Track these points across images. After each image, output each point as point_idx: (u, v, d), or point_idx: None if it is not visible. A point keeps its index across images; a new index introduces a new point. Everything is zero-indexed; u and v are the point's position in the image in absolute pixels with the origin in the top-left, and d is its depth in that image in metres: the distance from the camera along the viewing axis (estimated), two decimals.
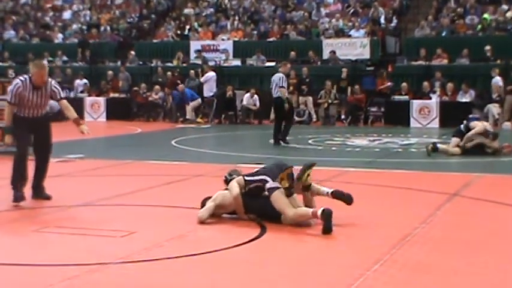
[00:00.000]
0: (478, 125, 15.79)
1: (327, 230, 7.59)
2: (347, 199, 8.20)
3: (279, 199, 8.00)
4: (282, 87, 17.74)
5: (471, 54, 26.58)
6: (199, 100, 26.67)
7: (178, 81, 27.32)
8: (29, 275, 6.14)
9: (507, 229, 8.15)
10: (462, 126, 16.07)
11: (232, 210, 8.32)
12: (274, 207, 7.98)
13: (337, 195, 8.21)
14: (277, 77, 17.95)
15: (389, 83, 25.88)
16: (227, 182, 8.60)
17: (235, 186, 8.24)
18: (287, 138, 18.00)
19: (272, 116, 20.67)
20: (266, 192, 8.11)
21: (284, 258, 6.75)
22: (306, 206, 8.16)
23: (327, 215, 7.62)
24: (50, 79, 9.69)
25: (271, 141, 18.18)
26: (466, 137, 15.53)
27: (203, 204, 8.45)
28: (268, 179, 8.12)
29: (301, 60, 28.99)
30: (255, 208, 8.20)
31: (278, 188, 8.04)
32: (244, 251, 7.00)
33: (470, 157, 15.06)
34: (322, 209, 7.73)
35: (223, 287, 5.81)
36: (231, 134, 22.84)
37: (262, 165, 8.81)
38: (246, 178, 8.31)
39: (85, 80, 29.82)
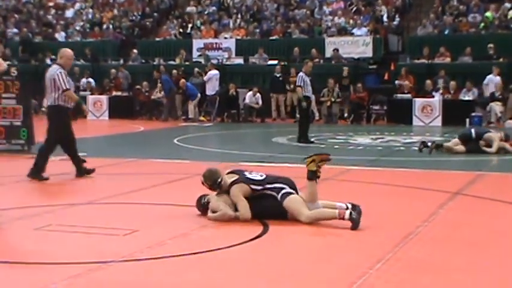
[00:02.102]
0: (495, 140, 15.45)
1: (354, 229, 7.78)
2: (355, 226, 7.88)
3: (295, 202, 8.04)
4: (299, 86, 17.77)
5: (474, 53, 26.56)
6: (198, 95, 26.69)
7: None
8: (32, 273, 6.15)
9: (510, 227, 8.15)
10: (473, 132, 15.83)
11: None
12: (285, 208, 8.03)
13: (351, 218, 7.89)
14: (297, 77, 18.11)
15: (405, 82, 25.72)
16: (216, 187, 8.35)
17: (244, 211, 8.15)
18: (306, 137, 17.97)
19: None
20: (278, 198, 8.12)
21: (287, 256, 6.76)
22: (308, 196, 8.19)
23: (353, 218, 7.79)
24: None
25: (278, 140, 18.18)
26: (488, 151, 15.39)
27: (199, 201, 8.47)
28: (285, 186, 8.18)
29: (304, 58, 28.94)
30: (256, 210, 8.19)
31: (292, 193, 8.10)
32: (247, 249, 7.00)
33: (472, 155, 15.05)
34: (349, 212, 7.85)
35: (227, 285, 5.82)
36: (234, 133, 22.85)
37: (261, 173, 8.68)
38: (253, 187, 8.21)
39: (90, 79, 29.79)
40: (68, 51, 11.89)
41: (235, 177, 8.33)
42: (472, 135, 15.68)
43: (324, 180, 9.31)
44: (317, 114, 25.87)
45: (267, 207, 8.14)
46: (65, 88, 11.45)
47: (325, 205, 8.23)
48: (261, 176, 8.37)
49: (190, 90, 26.71)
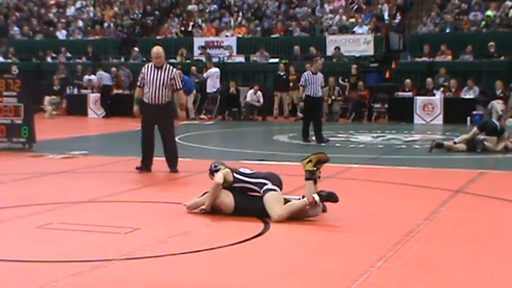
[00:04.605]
0: (504, 140, 15.62)
1: (336, 201, 7.93)
2: (334, 198, 7.98)
3: (272, 198, 8.07)
4: (301, 85, 17.54)
5: (475, 51, 26.56)
6: (193, 92, 26.65)
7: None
8: (33, 271, 6.15)
9: (511, 225, 8.15)
10: (498, 125, 15.88)
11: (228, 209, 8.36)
12: (265, 206, 8.05)
13: (324, 198, 8.00)
14: (302, 76, 17.82)
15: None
16: (213, 171, 8.66)
17: (219, 177, 8.32)
18: (317, 136, 17.58)
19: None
20: (261, 192, 8.17)
21: (288, 254, 6.77)
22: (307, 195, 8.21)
23: (328, 196, 7.89)
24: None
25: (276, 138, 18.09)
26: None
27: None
28: (268, 182, 8.19)
29: (306, 57, 29.01)
30: (246, 204, 8.26)
31: (275, 190, 8.12)
32: (248, 247, 7.00)
33: (473, 154, 15.05)
34: (317, 195, 7.91)
35: (228, 283, 5.82)
36: (235, 131, 22.83)
37: (252, 169, 8.76)
38: (236, 176, 8.36)
39: (93, 76, 29.75)
40: (152, 50, 12.17)
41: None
42: (498, 127, 15.70)
43: (325, 178, 9.33)
44: None
45: (255, 204, 8.20)
46: (136, 85, 12.50)
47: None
48: (251, 170, 8.55)
49: (187, 82, 26.56)
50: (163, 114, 12.11)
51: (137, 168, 12.22)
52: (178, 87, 12.28)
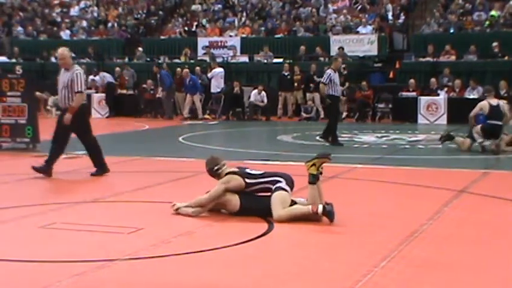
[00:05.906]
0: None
1: (331, 220, 7.86)
2: (330, 216, 7.93)
3: (279, 198, 8.05)
4: (324, 83, 17.02)
5: (479, 51, 26.53)
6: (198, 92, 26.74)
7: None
8: (37, 271, 6.15)
9: None
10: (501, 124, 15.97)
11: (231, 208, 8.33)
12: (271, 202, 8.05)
13: (325, 212, 7.94)
14: (325, 73, 17.31)
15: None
16: (214, 174, 8.54)
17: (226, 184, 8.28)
18: (333, 137, 17.06)
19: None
20: (273, 189, 8.14)
21: (292, 254, 6.76)
22: (309, 199, 8.18)
23: (328, 212, 7.82)
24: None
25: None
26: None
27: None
28: (282, 180, 8.19)
29: (309, 56, 29.03)
30: (252, 204, 8.25)
31: (286, 190, 8.10)
32: (252, 247, 7.00)
33: (477, 154, 15.04)
34: (322, 206, 7.85)
35: (232, 284, 5.81)
36: (239, 131, 22.83)
37: (262, 170, 8.73)
38: (248, 181, 8.29)
39: (97, 77, 29.75)
40: (58, 51, 12.22)
41: (235, 169, 8.45)
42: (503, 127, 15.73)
43: (329, 178, 9.32)
44: (322, 113, 25.81)
45: (261, 202, 8.20)
46: None
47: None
48: (260, 171, 8.48)
49: (194, 80, 26.57)
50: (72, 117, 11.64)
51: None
52: (76, 90, 11.57)
